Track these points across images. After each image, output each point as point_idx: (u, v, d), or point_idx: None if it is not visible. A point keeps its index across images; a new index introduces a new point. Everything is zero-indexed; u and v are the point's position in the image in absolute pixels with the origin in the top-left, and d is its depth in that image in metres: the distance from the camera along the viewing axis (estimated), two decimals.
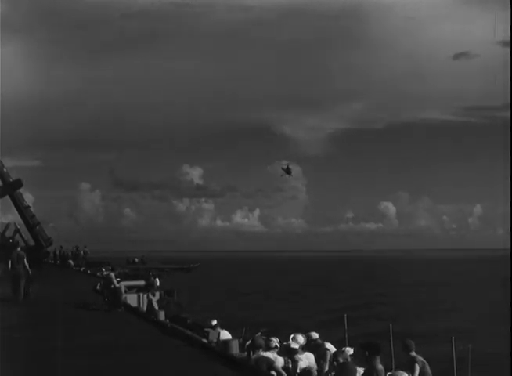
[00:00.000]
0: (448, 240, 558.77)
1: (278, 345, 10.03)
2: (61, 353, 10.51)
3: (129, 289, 23.95)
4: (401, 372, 7.19)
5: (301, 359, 9.11)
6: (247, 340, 15.57)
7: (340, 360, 7.85)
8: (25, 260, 19.57)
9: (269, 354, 9.60)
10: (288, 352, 9.53)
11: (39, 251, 38.08)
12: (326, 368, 9.35)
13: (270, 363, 9.21)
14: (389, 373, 7.34)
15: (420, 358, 8.58)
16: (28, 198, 47.02)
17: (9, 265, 19.35)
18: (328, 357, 9.47)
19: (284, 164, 29.86)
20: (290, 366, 9.48)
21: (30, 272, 19.57)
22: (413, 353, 8.64)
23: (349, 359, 8.08)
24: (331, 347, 9.99)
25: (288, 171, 29.25)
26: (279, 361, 9.69)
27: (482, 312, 38.63)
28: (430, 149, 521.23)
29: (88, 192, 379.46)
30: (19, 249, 20.51)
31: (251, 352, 10.26)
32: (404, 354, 8.88)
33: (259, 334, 15.56)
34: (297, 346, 9.50)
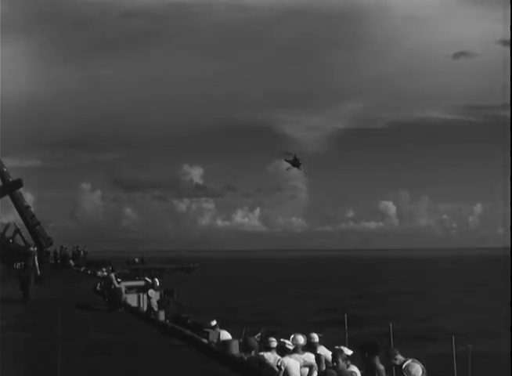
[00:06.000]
0: (449, 239, 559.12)
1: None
2: (61, 353, 10.52)
3: (129, 289, 23.93)
4: (416, 365, 7.00)
5: (285, 362, 9.06)
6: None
7: (340, 360, 7.80)
8: (35, 259, 19.53)
9: (270, 354, 9.59)
10: (279, 352, 9.50)
11: (39, 251, 38.10)
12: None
13: (261, 361, 9.21)
14: (407, 362, 7.11)
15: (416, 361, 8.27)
16: (28, 198, 47.28)
17: (16, 265, 19.24)
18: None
19: (290, 154, 22.56)
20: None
21: (39, 273, 19.53)
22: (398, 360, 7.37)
23: (348, 359, 8.03)
24: (325, 351, 9.89)
25: (296, 163, 22.24)
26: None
27: (483, 312, 38.65)
28: (431, 148, 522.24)
29: (88, 192, 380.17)
30: (35, 249, 20.49)
31: (244, 353, 10.23)
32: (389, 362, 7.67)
33: (259, 334, 15.60)
34: (290, 347, 9.44)
